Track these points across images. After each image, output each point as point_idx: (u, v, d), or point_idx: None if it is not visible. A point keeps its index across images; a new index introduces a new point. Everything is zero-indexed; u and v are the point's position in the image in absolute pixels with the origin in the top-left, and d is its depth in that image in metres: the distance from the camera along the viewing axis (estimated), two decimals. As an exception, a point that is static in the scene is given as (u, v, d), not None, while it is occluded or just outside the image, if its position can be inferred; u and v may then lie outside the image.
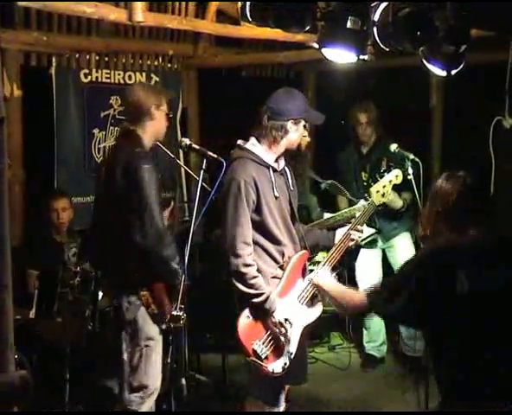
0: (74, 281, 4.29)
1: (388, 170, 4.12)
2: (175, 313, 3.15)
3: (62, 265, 4.40)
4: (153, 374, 3.65)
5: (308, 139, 4.51)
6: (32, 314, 4.32)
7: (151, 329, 3.65)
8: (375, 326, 5.51)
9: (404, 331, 5.39)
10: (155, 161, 3.71)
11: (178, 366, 3.25)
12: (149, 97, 3.70)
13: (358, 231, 3.73)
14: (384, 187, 4.01)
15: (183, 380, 3.15)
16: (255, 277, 3.36)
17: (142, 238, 3.49)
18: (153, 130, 3.72)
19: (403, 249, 5.35)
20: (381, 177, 4.08)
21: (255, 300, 3.36)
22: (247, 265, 3.35)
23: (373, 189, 4.04)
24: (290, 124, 3.49)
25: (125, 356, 3.68)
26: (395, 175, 4.06)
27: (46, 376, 4.17)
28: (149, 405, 3.71)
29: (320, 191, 4.88)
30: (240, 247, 3.35)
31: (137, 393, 3.67)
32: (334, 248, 3.64)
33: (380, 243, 5.42)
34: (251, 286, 3.34)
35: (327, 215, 4.42)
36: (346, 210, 4.62)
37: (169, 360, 3.17)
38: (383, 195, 3.99)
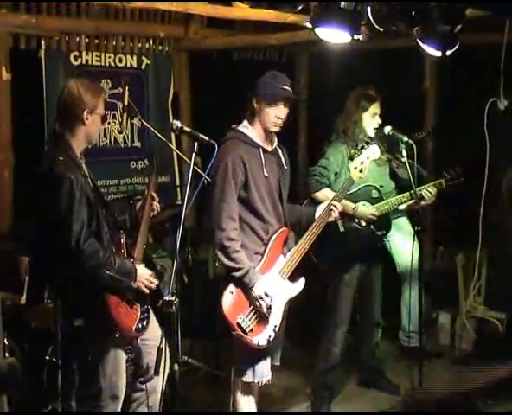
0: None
1: (366, 147, 4.12)
2: (167, 298, 3.10)
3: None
4: None
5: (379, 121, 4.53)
6: (23, 300, 4.30)
7: None
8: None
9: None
10: (83, 169, 3.42)
11: (171, 351, 3.22)
12: (82, 99, 3.36)
13: (336, 207, 3.85)
14: (362, 163, 4.04)
15: (176, 366, 3.12)
16: (237, 251, 3.49)
17: (61, 257, 3.31)
18: (84, 135, 3.42)
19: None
20: (360, 154, 4.08)
21: (235, 274, 3.49)
22: (231, 239, 3.49)
23: (351, 166, 4.07)
24: (281, 107, 3.58)
25: None
26: (372, 152, 4.08)
27: (37, 362, 4.14)
28: None
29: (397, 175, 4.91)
30: (225, 222, 3.48)
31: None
32: (314, 224, 3.81)
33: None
34: (232, 259, 3.48)
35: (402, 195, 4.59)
36: (418, 188, 4.50)
37: (161, 346, 3.13)
38: (361, 171, 4.03)
